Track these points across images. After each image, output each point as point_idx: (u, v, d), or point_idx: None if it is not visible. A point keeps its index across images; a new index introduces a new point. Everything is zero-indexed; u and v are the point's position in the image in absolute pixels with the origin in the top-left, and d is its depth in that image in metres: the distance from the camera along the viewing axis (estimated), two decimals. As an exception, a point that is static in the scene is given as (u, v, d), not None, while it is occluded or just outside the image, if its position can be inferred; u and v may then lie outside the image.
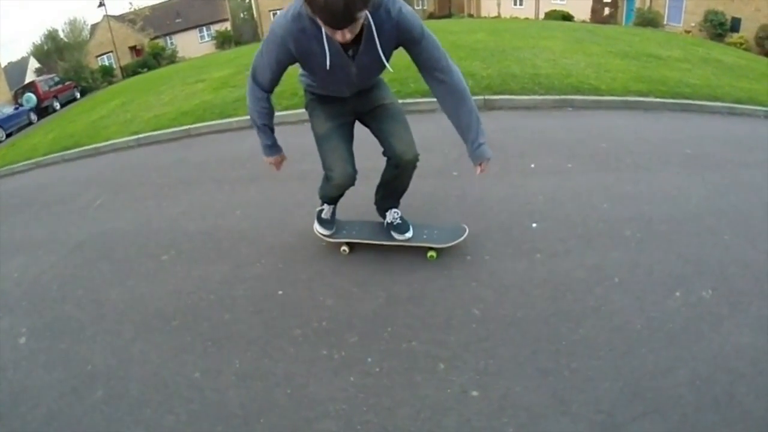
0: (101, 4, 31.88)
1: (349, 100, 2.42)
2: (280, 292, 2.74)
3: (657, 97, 6.07)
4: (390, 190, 2.78)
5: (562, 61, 7.83)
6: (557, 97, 5.89)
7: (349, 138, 2.53)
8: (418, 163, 2.55)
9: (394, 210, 2.85)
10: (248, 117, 2.45)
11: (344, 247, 2.97)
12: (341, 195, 2.75)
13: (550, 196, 3.29)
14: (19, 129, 19.90)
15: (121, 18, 34.89)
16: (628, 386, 1.81)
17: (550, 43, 10.21)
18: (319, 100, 2.48)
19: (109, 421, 2.15)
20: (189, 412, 2.08)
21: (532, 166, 3.84)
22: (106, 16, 33.75)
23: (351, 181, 2.53)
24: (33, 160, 8.85)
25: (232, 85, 9.42)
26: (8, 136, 19.05)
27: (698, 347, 1.99)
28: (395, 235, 2.83)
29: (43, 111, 22.72)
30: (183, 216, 4.01)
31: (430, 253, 2.81)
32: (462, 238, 2.76)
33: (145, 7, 35.00)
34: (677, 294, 2.30)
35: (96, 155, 7.73)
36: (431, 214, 3.15)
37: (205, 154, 5.84)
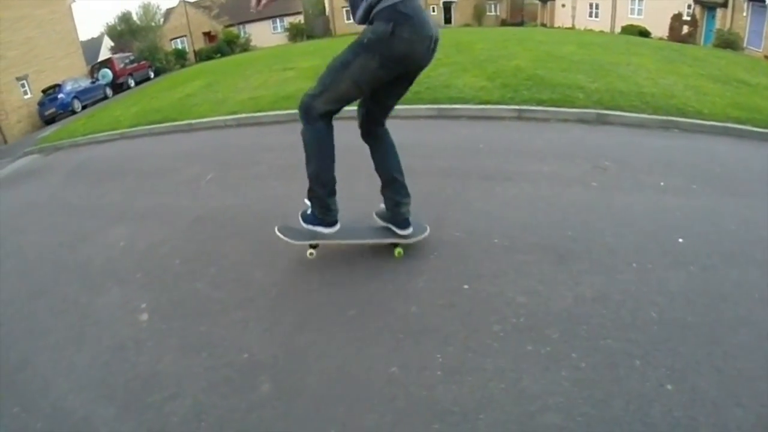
0: (180, -11, 33.29)
1: None
2: (466, 287, 2.69)
3: (754, 125, 6.19)
4: None
5: (661, 81, 7.97)
6: (664, 117, 6.11)
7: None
8: (302, 111, 2.63)
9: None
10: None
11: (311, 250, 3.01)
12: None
13: (686, 213, 3.53)
14: (94, 102, 21.15)
15: (196, 4, 36.25)
16: (780, 385, 2.05)
17: (641, 60, 10.32)
18: None
19: (288, 419, 1.96)
20: (395, 410, 1.96)
21: (662, 183, 4.09)
22: (183, 1, 35.14)
23: None
24: (118, 131, 9.09)
25: (326, 75, 9.63)
26: (83, 108, 20.27)
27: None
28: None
29: (117, 87, 23.99)
30: (319, 200, 4.01)
31: (398, 250, 2.95)
32: (424, 236, 2.97)
33: (222, -4, 36.27)
34: (805, 310, 2.51)
35: (189, 131, 7.89)
36: (587, 224, 3.32)
37: (319, 140, 5.95)
